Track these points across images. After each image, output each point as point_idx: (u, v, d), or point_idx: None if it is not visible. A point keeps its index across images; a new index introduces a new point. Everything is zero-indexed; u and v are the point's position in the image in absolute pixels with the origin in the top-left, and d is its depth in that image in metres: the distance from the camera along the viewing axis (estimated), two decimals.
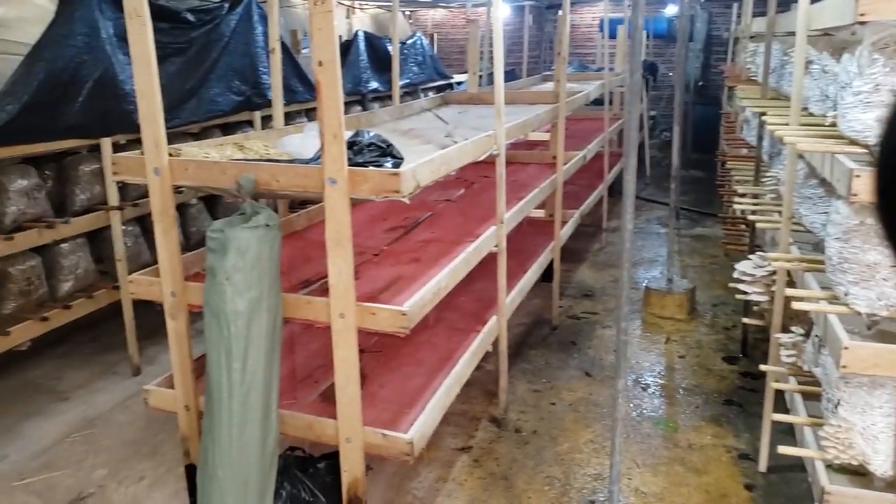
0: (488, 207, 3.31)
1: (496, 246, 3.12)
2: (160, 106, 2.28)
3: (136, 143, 3.63)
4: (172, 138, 3.92)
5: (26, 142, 3.09)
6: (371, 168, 2.17)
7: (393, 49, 4.36)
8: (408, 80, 7.13)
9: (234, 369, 2.18)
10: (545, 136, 3.65)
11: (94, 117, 3.25)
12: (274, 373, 2.28)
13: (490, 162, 4.86)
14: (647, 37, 9.57)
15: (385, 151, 2.33)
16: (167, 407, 2.60)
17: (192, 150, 2.49)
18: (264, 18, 4.52)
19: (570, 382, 3.81)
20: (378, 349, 3.12)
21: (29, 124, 3.03)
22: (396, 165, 2.26)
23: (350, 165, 2.19)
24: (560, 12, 4.43)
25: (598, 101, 6.86)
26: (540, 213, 3.79)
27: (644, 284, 4.96)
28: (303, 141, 2.79)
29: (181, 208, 4.19)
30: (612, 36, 7.96)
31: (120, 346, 3.84)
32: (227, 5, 4.14)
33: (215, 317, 2.19)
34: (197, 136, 4.12)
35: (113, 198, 3.55)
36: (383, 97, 6.50)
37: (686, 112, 9.10)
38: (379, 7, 8.40)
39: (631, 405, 3.56)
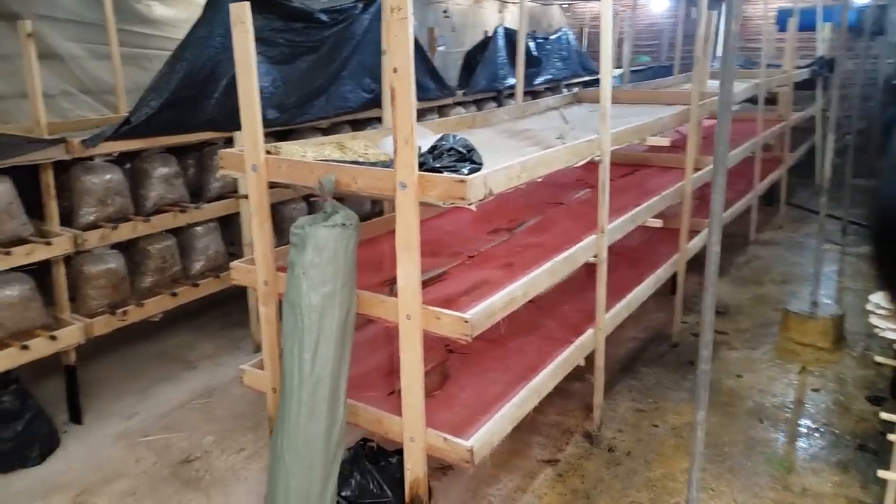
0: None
1: (595, 256, 3.00)
2: (259, 108, 2.43)
3: (264, 137, 3.90)
4: (303, 133, 4.22)
5: (166, 134, 3.44)
6: (443, 174, 2.17)
7: (518, 45, 4.29)
8: (550, 76, 7.00)
9: (304, 360, 2.29)
10: (664, 142, 3.42)
11: (227, 112, 3.52)
12: (343, 366, 2.37)
13: (623, 164, 4.72)
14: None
15: (464, 157, 2.31)
16: (258, 387, 2.79)
17: (292, 149, 2.63)
18: None
19: (679, 405, 3.58)
20: (465, 351, 3.13)
21: (169, 118, 3.36)
22: (473, 171, 2.24)
23: (427, 170, 2.21)
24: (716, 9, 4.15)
25: (770, 101, 6.39)
26: (658, 223, 3.57)
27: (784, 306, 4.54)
28: None
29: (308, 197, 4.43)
30: (785, 29, 7.30)
31: (245, 324, 4.16)
32: (360, 5, 4.30)
33: (291, 308, 2.31)
34: (326, 132, 4.34)
35: (242, 186, 3.85)
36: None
37: (872, 113, 8.13)
38: (532, 1, 8.32)
39: (741, 436, 3.29)
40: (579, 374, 3.35)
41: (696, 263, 4.45)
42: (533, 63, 6.71)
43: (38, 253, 3.05)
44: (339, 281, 2.28)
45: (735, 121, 6.44)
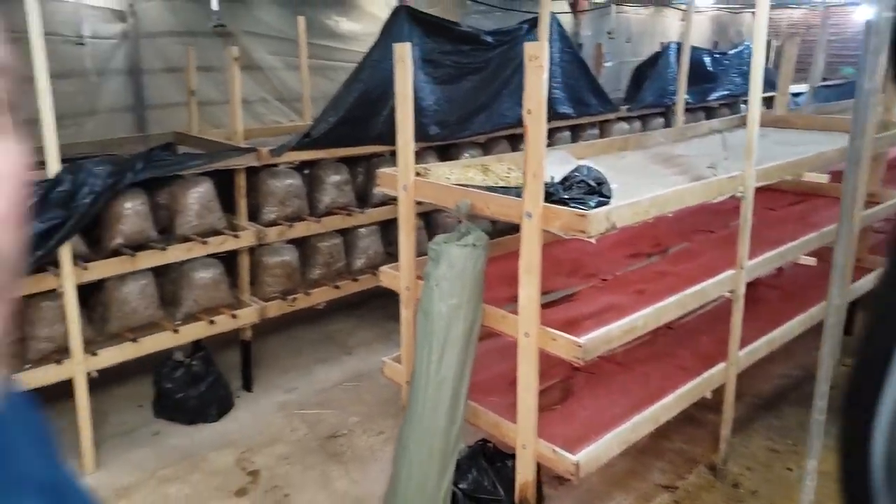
0: (754, 245, 3.09)
1: (731, 292, 2.97)
2: (412, 135, 2.72)
3: (425, 150, 4.22)
4: (461, 147, 4.51)
5: (340, 146, 3.88)
6: (568, 206, 2.31)
7: (681, 64, 4.26)
8: (727, 92, 6.72)
9: (431, 361, 2.55)
10: (822, 178, 3.26)
11: (394, 129, 3.88)
12: (466, 371, 2.60)
13: (793, 192, 4.51)
14: None
15: (593, 190, 2.44)
16: (396, 379, 3.11)
17: (438, 171, 2.89)
18: (563, 37, 4.78)
19: (821, 451, 3.41)
20: (592, 371, 3.23)
21: (344, 133, 3.78)
22: (600, 205, 2.37)
23: (555, 200, 2.37)
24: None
25: None
26: (811, 262, 3.41)
27: None
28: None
29: None
30: None
31: (398, 317, 4.52)
32: (525, 26, 4.48)
33: (424, 315, 2.58)
34: (483, 146, 4.59)
35: None
36: (693, 109, 6.28)
37: None
38: (719, 9, 8.00)
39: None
40: (714, 405, 3.32)
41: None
42: (708, 78, 6.51)
43: (228, 244, 3.60)
44: (465, 295, 2.51)
45: None
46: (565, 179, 2.51)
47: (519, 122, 4.67)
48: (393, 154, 4.24)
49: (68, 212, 3.18)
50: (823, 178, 3.25)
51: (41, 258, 3.13)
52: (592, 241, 2.26)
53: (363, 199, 4.25)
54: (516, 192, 2.55)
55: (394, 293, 4.77)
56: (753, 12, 9.07)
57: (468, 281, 2.50)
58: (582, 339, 2.34)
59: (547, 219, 2.29)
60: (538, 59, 2.18)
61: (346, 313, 4.90)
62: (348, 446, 3.47)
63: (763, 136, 4.38)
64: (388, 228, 4.37)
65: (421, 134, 3.97)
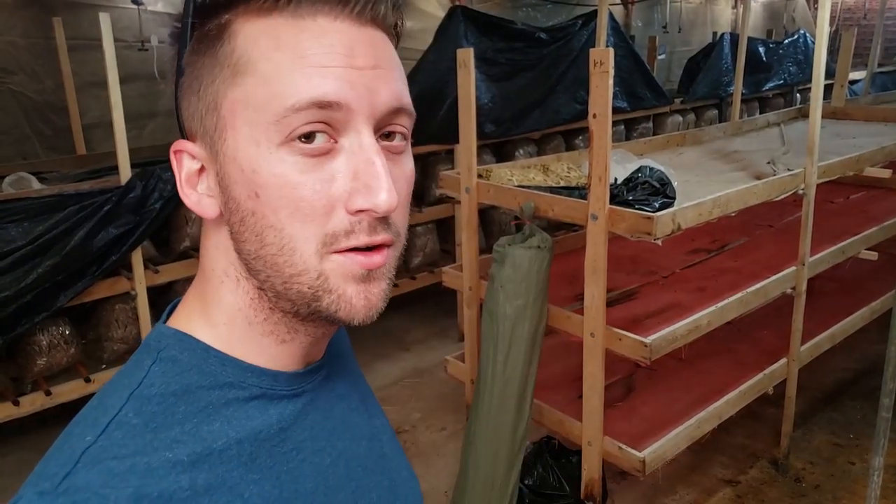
0: (814, 239, 3.07)
1: (792, 289, 2.97)
2: (474, 138, 2.78)
3: (480, 148, 4.27)
4: (516, 143, 4.55)
5: None
6: (633, 208, 2.35)
7: (738, 59, 4.22)
8: (781, 81, 6.59)
9: (497, 361, 2.62)
10: (884, 174, 3.21)
11: (450, 128, 3.93)
12: (532, 370, 2.66)
13: (853, 184, 4.44)
14: None
15: (657, 191, 2.47)
16: (458, 376, 3.18)
17: (500, 172, 2.95)
18: (617, 31, 4.77)
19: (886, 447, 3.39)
20: (653, 367, 3.26)
21: None
22: (664, 206, 2.40)
23: (619, 202, 2.41)
24: None
25: None
26: (872, 256, 3.38)
27: None
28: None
29: None
30: None
31: (453, 313, 4.62)
32: (579, 22, 4.49)
33: (489, 315, 2.64)
34: (538, 142, 4.62)
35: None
36: (747, 100, 6.18)
37: None
38: None
39: None
40: (775, 399, 3.32)
41: None
42: (762, 68, 6.40)
43: None
44: (531, 296, 2.57)
45: None
46: (629, 180, 2.55)
47: (573, 118, 4.74)
48: (449, 153, 4.33)
49: (139, 217, 3.33)
50: (886, 173, 3.20)
51: (115, 262, 3.29)
52: (658, 242, 2.29)
53: (420, 197, 4.33)
54: (580, 193, 2.60)
55: (448, 290, 4.88)
56: None
57: (533, 283, 2.56)
58: (648, 339, 2.38)
59: (613, 221, 2.33)
60: (604, 64, 2.22)
61: (401, 310, 5.00)
62: (412, 442, 3.56)
63: (821, 128, 4.35)
64: (443, 226, 4.44)
65: (477, 132, 4.01)
